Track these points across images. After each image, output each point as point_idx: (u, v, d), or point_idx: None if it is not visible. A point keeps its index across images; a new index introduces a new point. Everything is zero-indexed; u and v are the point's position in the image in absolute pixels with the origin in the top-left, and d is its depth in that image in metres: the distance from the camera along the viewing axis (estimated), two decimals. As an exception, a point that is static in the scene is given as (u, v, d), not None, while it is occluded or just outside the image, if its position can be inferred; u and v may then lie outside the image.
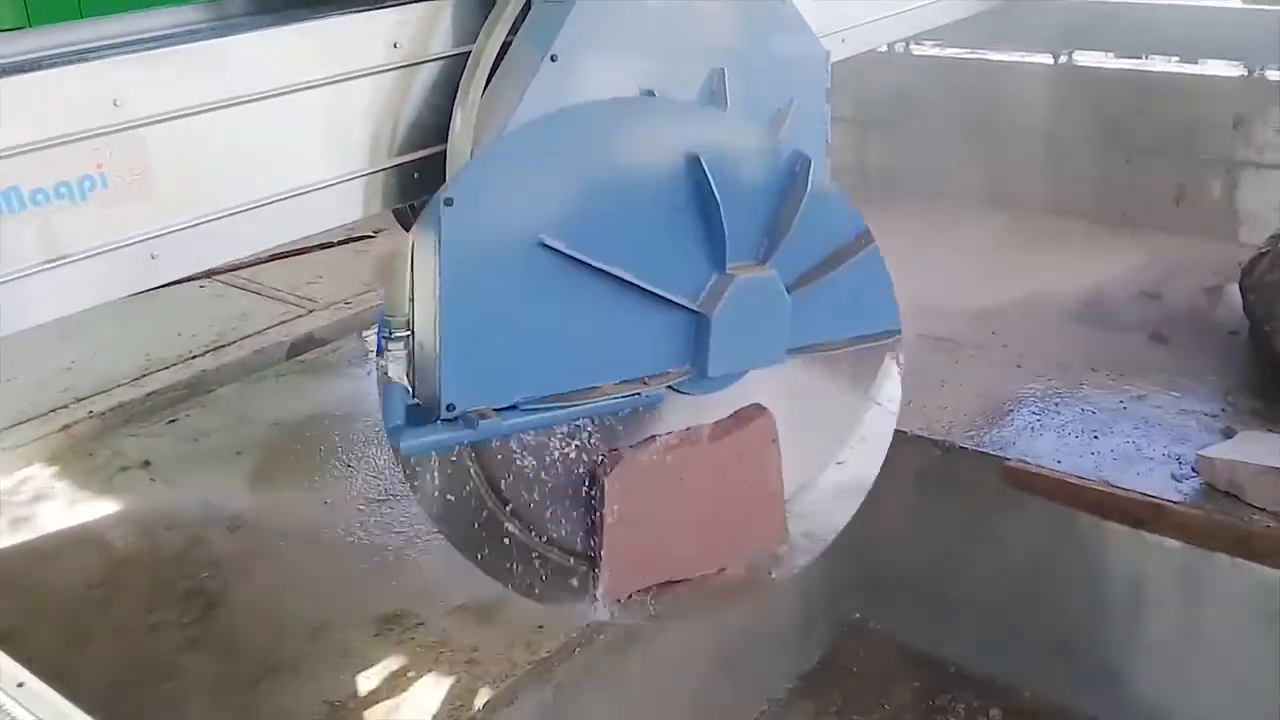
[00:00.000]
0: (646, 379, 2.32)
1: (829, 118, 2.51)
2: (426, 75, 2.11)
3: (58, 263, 1.67)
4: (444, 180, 2.08)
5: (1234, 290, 4.18)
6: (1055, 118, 5.30)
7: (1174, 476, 3.38)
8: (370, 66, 2.01)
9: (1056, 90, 5.33)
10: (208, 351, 4.61)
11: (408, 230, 2.14)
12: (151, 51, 1.74)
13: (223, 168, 1.83)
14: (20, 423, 4.09)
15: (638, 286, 2.20)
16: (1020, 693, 3.75)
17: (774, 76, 2.38)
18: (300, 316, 4.90)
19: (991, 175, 5.22)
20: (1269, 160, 4.90)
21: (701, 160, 2.18)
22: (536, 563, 2.42)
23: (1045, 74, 5.38)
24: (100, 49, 1.75)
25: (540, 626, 3.03)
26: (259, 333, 4.76)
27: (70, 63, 1.67)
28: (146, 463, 3.95)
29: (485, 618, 3.09)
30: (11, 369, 4.32)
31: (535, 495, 2.39)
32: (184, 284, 1.99)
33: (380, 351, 2.13)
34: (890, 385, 2.77)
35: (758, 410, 2.63)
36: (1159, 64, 5.23)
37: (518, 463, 2.32)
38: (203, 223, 1.81)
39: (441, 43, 2.11)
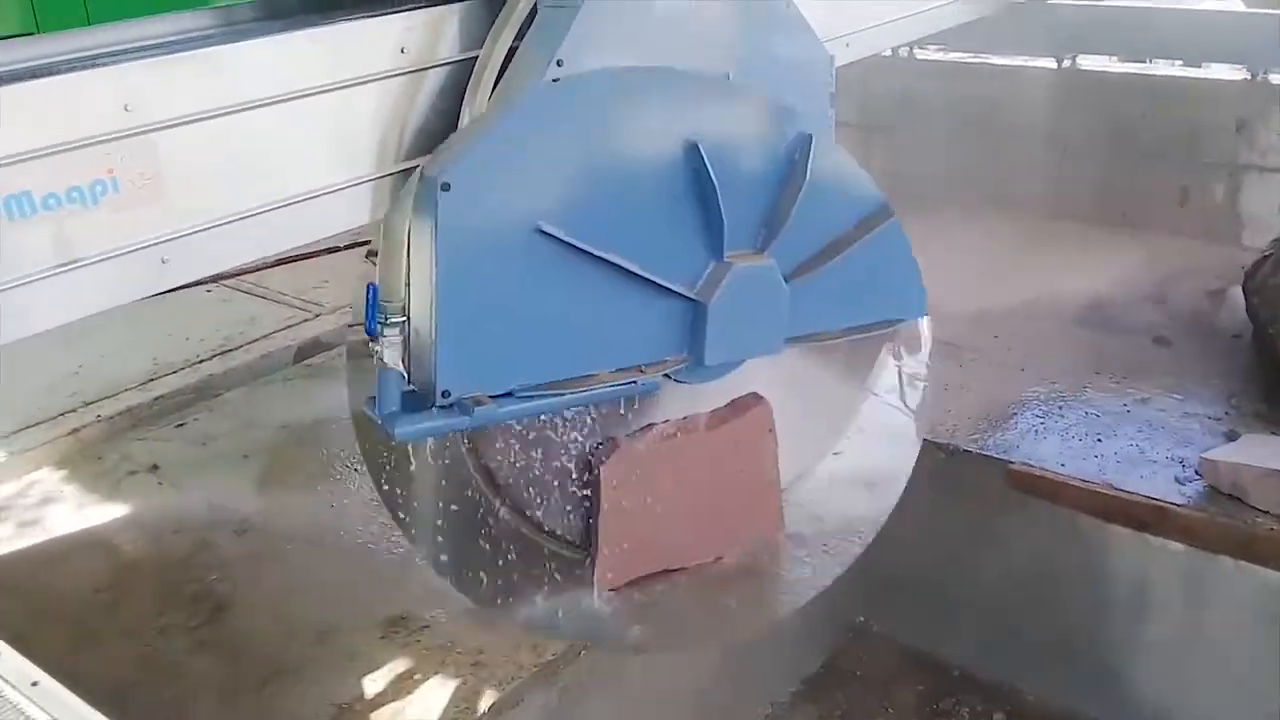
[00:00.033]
0: (643, 367, 2.31)
1: (833, 122, 2.52)
2: (434, 80, 2.13)
3: (69, 267, 1.68)
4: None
5: (1237, 293, 4.19)
6: (1059, 122, 5.32)
7: (1177, 479, 3.39)
8: (378, 71, 2.02)
9: (1060, 94, 5.34)
10: (215, 356, 4.62)
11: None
12: (163, 57, 1.76)
13: (232, 172, 1.85)
14: (28, 426, 4.10)
15: (635, 274, 2.19)
16: (1024, 696, 3.76)
17: (778, 81, 2.38)
18: (307, 321, 4.91)
19: (995, 179, 5.24)
20: (1272, 164, 4.91)
21: (700, 147, 2.17)
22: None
23: (1049, 78, 5.39)
24: (110, 55, 1.76)
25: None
26: (266, 337, 4.77)
27: (82, 68, 1.69)
28: (154, 466, 3.96)
29: (491, 621, 3.09)
30: (20, 373, 4.33)
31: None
32: (191, 288, 1.99)
33: (374, 336, 2.11)
34: (888, 375, 2.78)
35: (754, 399, 2.64)
36: (1162, 68, 5.25)
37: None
38: (213, 227, 1.83)
39: (449, 48, 2.13)
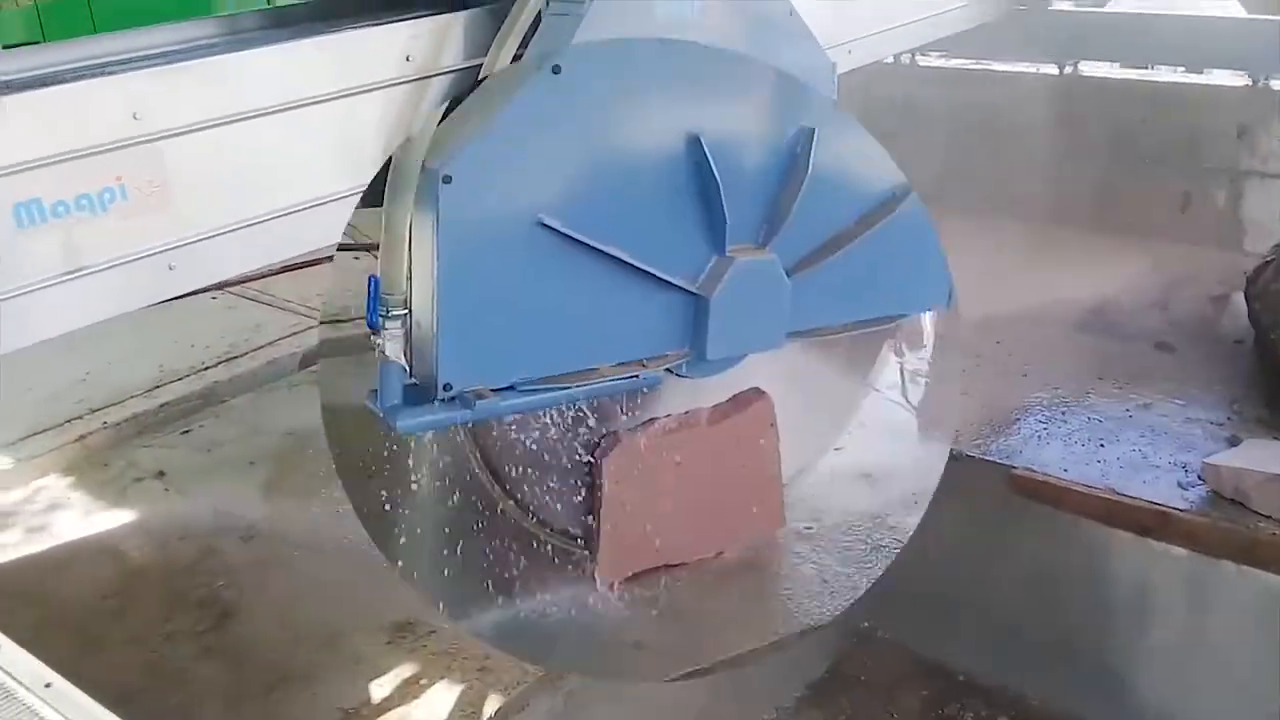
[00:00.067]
0: (645, 361, 2.31)
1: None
2: (439, 88, 2.14)
3: (77, 274, 1.70)
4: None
5: (1239, 299, 4.20)
6: (1060, 128, 5.32)
7: (1180, 484, 3.39)
8: (383, 80, 2.03)
9: (1061, 100, 5.35)
10: (221, 363, 4.63)
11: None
12: (171, 65, 1.77)
13: (239, 179, 1.86)
14: (35, 433, 4.12)
15: (637, 267, 2.20)
16: (1028, 700, 3.75)
17: (781, 88, 2.39)
18: (312, 327, 4.91)
19: (997, 185, 5.24)
20: (1273, 169, 4.92)
21: (701, 140, 2.18)
22: None
23: (1050, 84, 5.40)
24: (117, 63, 1.78)
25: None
26: (271, 344, 4.78)
27: (91, 76, 1.70)
28: (161, 473, 3.98)
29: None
30: (27, 380, 4.35)
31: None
32: (196, 296, 2.00)
33: (375, 329, 2.12)
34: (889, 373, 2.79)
35: (756, 394, 2.64)
36: (1164, 74, 5.25)
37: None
38: (219, 234, 1.84)
39: (453, 56, 2.14)
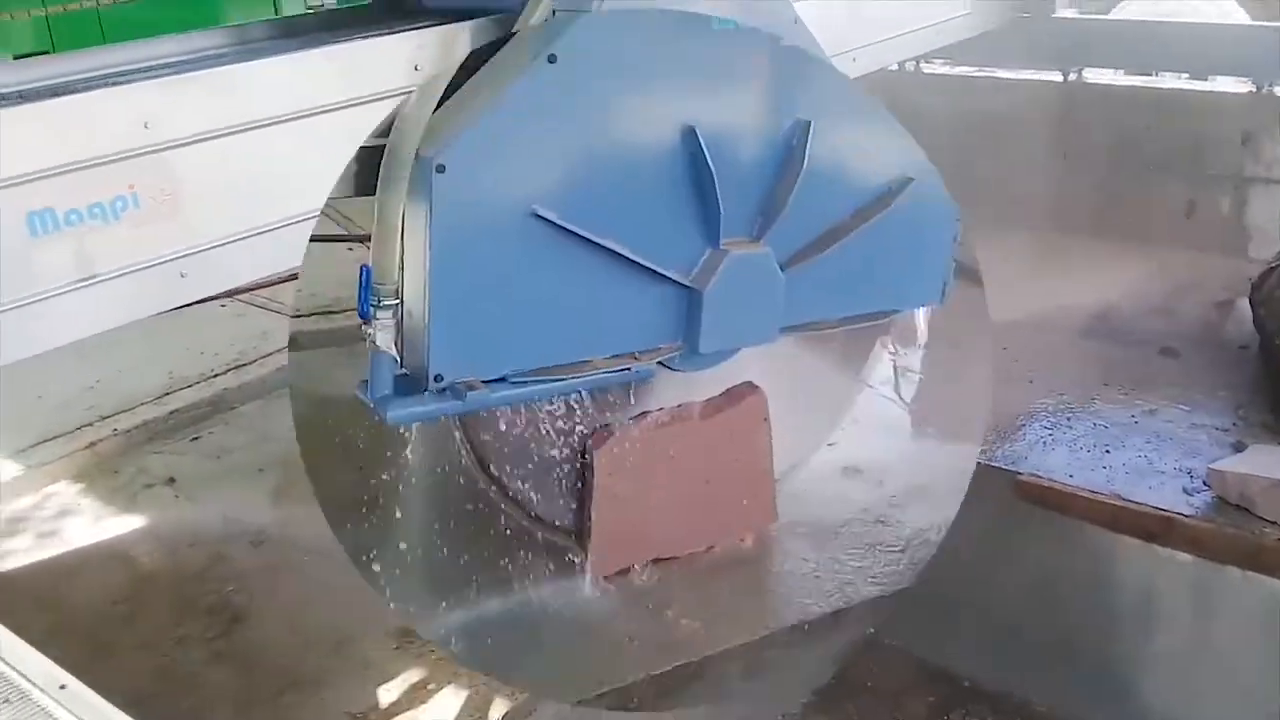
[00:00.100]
0: (637, 354, 2.31)
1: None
2: (446, 97, 2.15)
3: (90, 281, 1.71)
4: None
5: (1244, 305, 4.20)
6: (1065, 134, 5.32)
7: (1185, 490, 3.39)
8: (392, 89, 2.04)
9: (1066, 107, 5.35)
10: (229, 370, 4.66)
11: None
12: (182, 75, 1.79)
13: (249, 188, 1.87)
14: (46, 440, 4.15)
15: (630, 260, 2.19)
16: (1033, 706, 3.75)
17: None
18: (316, 334, 4.94)
19: (1002, 192, 5.24)
20: (1277, 176, 4.91)
21: (696, 131, 2.17)
22: None
23: (1055, 91, 5.40)
24: (127, 73, 1.80)
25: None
26: (279, 351, 4.78)
27: (103, 86, 1.72)
28: (170, 479, 4.00)
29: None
30: (38, 388, 4.38)
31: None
32: (205, 303, 2.01)
33: (366, 319, 2.10)
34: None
35: (749, 388, 2.64)
36: (1168, 81, 5.25)
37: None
38: (230, 241, 1.86)
39: (460, 65, 2.16)
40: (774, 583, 2.83)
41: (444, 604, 2.54)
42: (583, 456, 2.51)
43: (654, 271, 2.24)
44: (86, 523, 3.77)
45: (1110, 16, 5.57)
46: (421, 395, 2.11)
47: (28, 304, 1.65)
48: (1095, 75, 5.37)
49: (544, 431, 2.47)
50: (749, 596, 2.84)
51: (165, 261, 1.79)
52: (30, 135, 1.61)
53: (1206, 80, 5.12)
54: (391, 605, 2.56)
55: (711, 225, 2.27)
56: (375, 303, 2.08)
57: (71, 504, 3.88)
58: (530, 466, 2.48)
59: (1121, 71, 5.33)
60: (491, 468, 2.44)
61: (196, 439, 4.29)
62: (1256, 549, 3.17)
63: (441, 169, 1.97)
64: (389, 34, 2.04)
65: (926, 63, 5.71)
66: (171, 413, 4.37)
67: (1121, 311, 4.60)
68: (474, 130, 2.00)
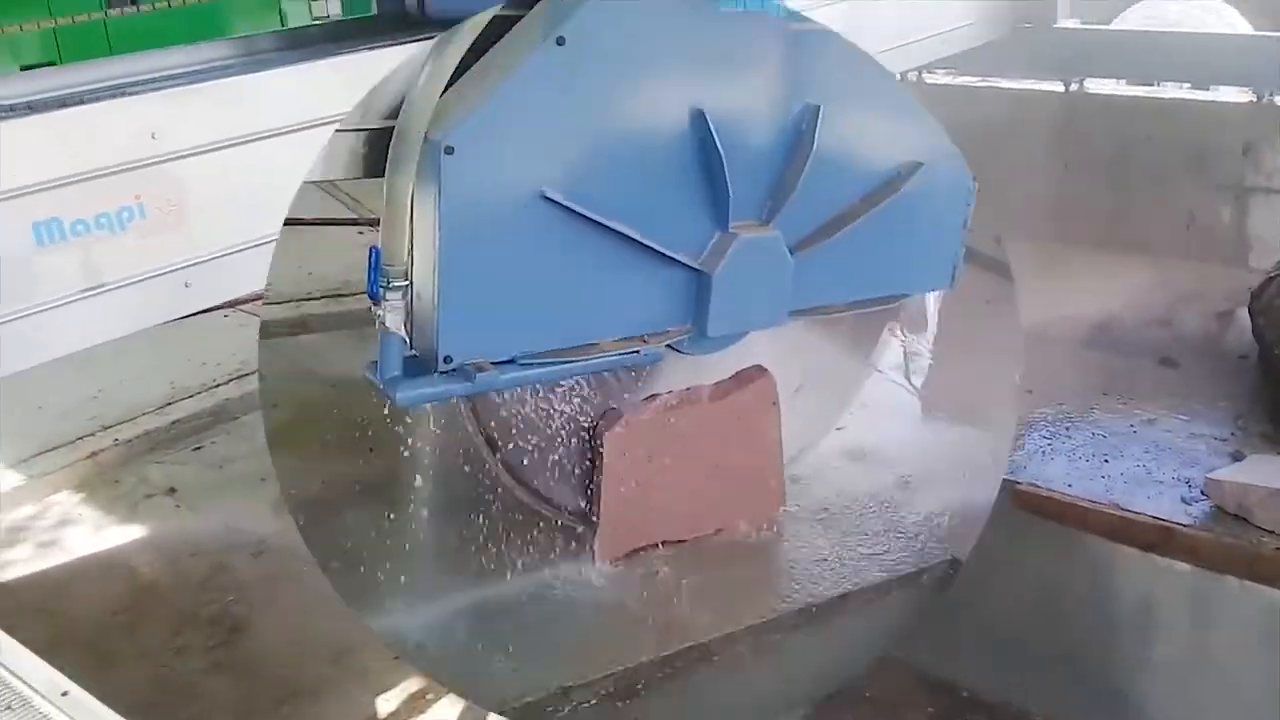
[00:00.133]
0: (646, 337, 2.30)
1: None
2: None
3: (96, 291, 1.72)
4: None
5: (1244, 315, 4.21)
6: (1066, 144, 5.33)
7: (1184, 500, 3.39)
8: (397, 100, 2.04)
9: (1067, 117, 5.36)
10: (232, 380, 4.66)
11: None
12: (188, 86, 1.80)
13: (254, 199, 1.88)
14: (48, 450, 4.15)
15: (639, 242, 2.19)
16: (1032, 717, 3.75)
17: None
18: (320, 344, 4.94)
19: (1003, 202, 5.25)
20: (1278, 185, 4.93)
21: (705, 113, 2.16)
22: None
23: (1057, 101, 5.42)
24: (133, 85, 1.80)
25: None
26: (281, 361, 4.81)
27: (110, 97, 1.72)
28: (172, 489, 4.00)
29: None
30: (39, 398, 4.38)
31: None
32: (208, 313, 2.02)
33: (376, 300, 2.10)
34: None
35: (758, 372, 2.64)
36: (1169, 91, 5.26)
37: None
38: (235, 252, 1.86)
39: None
40: (782, 566, 2.83)
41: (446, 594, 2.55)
42: (591, 439, 2.51)
43: (663, 254, 2.23)
44: (87, 532, 3.77)
45: (1112, 27, 5.58)
46: (431, 376, 2.11)
47: (33, 313, 1.66)
48: (1097, 85, 5.38)
49: (552, 413, 2.47)
50: (757, 579, 2.84)
51: (170, 271, 1.80)
52: (37, 146, 1.62)
53: (1208, 90, 5.13)
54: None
55: (721, 208, 2.27)
56: (385, 284, 2.07)
57: (72, 514, 3.88)
58: (539, 449, 2.47)
59: (1123, 81, 5.34)
60: (499, 450, 2.44)
61: (198, 449, 4.29)
62: (1254, 559, 3.17)
63: (450, 151, 1.97)
64: (395, 45, 2.05)
65: (929, 73, 5.72)
66: (173, 423, 4.38)
67: (1121, 321, 4.61)
68: (483, 112, 2.00)
